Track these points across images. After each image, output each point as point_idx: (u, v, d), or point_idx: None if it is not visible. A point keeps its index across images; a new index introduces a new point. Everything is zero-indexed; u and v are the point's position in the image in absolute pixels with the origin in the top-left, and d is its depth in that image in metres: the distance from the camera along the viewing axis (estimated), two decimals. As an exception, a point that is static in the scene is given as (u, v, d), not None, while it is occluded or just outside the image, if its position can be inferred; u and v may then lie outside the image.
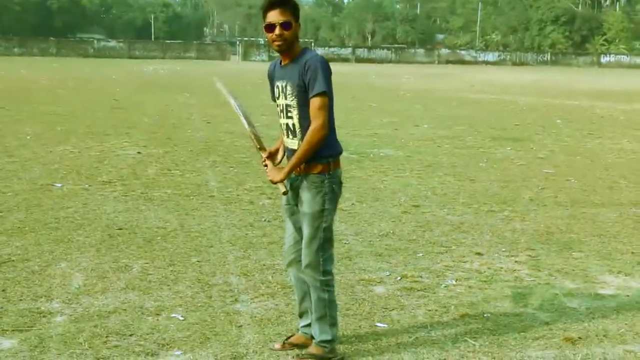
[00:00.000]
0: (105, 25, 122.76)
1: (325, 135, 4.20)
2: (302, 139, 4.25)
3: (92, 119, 17.55)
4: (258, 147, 4.53)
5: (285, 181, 4.35)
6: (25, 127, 15.60)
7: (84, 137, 14.15)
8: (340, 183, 4.42)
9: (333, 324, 4.43)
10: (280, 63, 4.39)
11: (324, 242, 4.36)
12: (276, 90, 4.38)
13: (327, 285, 4.38)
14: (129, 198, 8.91)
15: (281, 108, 4.37)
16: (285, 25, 4.17)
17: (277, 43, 4.20)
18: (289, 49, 4.24)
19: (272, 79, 4.48)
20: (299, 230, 4.46)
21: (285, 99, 4.29)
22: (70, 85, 29.63)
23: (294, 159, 4.26)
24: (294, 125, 4.31)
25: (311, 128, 4.18)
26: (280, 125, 4.43)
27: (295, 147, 4.29)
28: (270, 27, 4.20)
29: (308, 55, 4.23)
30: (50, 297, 5.41)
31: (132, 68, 51.63)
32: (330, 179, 4.31)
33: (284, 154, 4.53)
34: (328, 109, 4.21)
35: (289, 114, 4.30)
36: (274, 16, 4.17)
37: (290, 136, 4.36)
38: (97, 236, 7.12)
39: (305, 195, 4.31)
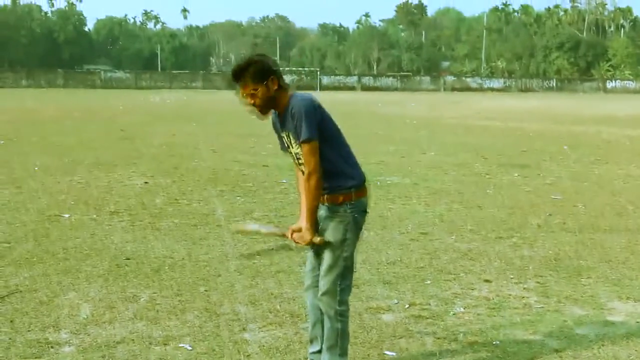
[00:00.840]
0: (112, 56, 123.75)
1: (319, 179, 4.18)
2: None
3: (99, 149, 17.63)
4: (281, 235, 4.61)
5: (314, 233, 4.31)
6: (33, 158, 15.67)
7: (92, 168, 14.20)
8: (364, 212, 4.39)
9: (343, 354, 4.41)
10: (277, 115, 4.39)
11: (343, 271, 4.33)
12: (284, 141, 4.37)
13: (342, 315, 4.36)
14: (136, 228, 8.92)
15: (293, 157, 4.36)
16: (252, 96, 4.20)
17: (248, 109, 4.30)
18: (274, 105, 4.26)
19: (276, 130, 4.47)
20: (317, 256, 4.42)
21: (293, 147, 4.28)
22: (77, 116, 29.79)
23: (307, 212, 4.26)
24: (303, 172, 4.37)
25: (304, 177, 4.26)
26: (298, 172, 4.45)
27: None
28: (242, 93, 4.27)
29: (293, 102, 4.20)
30: (58, 328, 5.41)
31: (139, 98, 51.88)
32: (353, 208, 4.29)
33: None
34: (317, 153, 4.17)
35: (301, 161, 4.28)
36: (241, 89, 4.22)
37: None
38: (104, 266, 7.12)
39: (327, 224, 4.30)
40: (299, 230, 4.34)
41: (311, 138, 4.12)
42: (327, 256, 4.31)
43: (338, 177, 4.26)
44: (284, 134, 4.31)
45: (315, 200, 4.23)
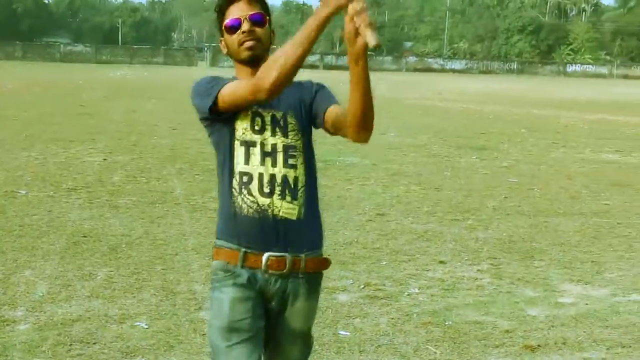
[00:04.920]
0: (72, 29, 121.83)
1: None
2: (307, 204, 2.91)
3: (57, 124, 17.44)
4: None
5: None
6: (-11, 132, 15.48)
7: (49, 143, 14.06)
8: None
9: None
10: None
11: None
12: (256, 122, 2.90)
13: None
14: (94, 205, 8.89)
15: (268, 150, 2.88)
16: (256, 18, 2.93)
17: (247, 44, 2.90)
18: (263, 58, 2.89)
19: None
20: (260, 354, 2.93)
21: (285, 136, 2.89)
22: (35, 90, 29.40)
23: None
24: (295, 179, 2.88)
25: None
26: (250, 179, 2.87)
27: (294, 217, 2.86)
28: (232, 26, 2.94)
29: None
30: (14, 305, 5.41)
31: (99, 73, 51.31)
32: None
33: None
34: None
35: (290, 161, 2.88)
36: (239, 9, 2.93)
37: (285, 197, 2.86)
38: (61, 244, 7.10)
39: (303, 304, 2.96)
40: None
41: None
42: (297, 350, 3.02)
43: (319, 223, 3.06)
44: (270, 113, 2.89)
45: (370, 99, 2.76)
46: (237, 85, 2.84)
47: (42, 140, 14.48)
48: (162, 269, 6.40)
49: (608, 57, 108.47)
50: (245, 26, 2.91)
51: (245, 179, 2.86)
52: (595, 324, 5.45)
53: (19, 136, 15.05)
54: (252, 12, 2.93)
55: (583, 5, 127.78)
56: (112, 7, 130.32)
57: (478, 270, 6.73)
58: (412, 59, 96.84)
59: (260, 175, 2.85)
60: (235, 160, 2.89)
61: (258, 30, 2.94)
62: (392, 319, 5.40)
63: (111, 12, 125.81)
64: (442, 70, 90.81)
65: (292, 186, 2.87)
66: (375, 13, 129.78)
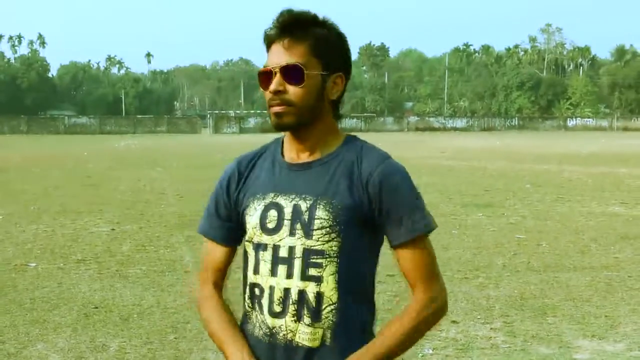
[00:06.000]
0: (76, 101, 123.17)
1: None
2: (338, 327, 2.18)
3: (64, 196, 17.52)
4: None
5: None
6: (-3, 206, 15.55)
7: (57, 215, 14.12)
8: None
9: None
10: (282, 155, 2.29)
11: None
12: (269, 217, 2.20)
13: None
14: (104, 276, 8.90)
15: (283, 255, 2.17)
16: (292, 74, 2.12)
17: (273, 109, 2.17)
18: (305, 125, 2.19)
19: (238, 185, 2.32)
20: None
21: (307, 236, 2.14)
22: (41, 163, 29.61)
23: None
24: (318, 296, 2.15)
25: (426, 302, 2.27)
26: (262, 293, 2.21)
27: (315, 344, 2.16)
28: (265, 78, 2.18)
29: (370, 153, 2.22)
30: (27, 380, 5.39)
31: (104, 144, 51.71)
32: None
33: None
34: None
35: (311, 272, 2.14)
36: (277, 52, 2.16)
37: (302, 318, 2.15)
38: (73, 316, 7.09)
39: None
40: None
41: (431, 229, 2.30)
42: None
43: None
44: (289, 201, 2.17)
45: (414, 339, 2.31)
46: (203, 255, 2.39)
47: (50, 213, 14.54)
48: (175, 338, 6.38)
49: (607, 110, 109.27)
50: (274, 84, 2.15)
51: (257, 291, 2.23)
52: (612, 379, 5.41)
53: (27, 209, 15.11)
54: (286, 63, 2.12)
55: (580, 60, 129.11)
56: (114, 79, 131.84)
57: (491, 328, 6.70)
58: (413, 118, 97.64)
59: (271, 288, 2.18)
60: (248, 267, 2.27)
61: (291, 89, 2.13)
62: (408, 381, 5.36)
63: (114, 84, 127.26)
64: (444, 128, 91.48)
65: (314, 305, 2.13)
66: (375, 75, 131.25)
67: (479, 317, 7.06)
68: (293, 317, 2.14)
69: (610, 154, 35.62)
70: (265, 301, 2.19)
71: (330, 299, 2.14)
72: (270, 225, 2.18)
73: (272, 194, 2.21)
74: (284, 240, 2.16)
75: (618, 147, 44.14)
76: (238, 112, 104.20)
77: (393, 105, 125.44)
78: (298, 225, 2.15)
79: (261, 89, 2.21)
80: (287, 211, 2.17)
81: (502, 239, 11.49)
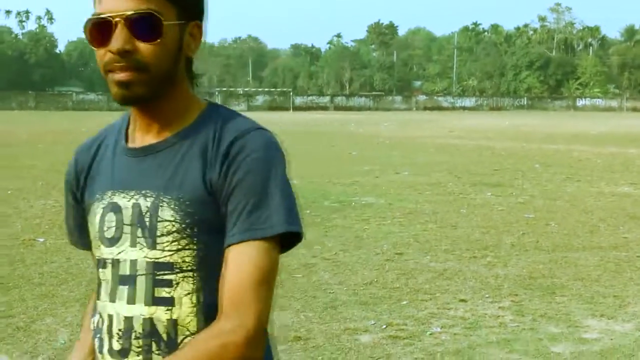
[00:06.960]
0: (84, 78, 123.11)
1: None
2: None
3: (72, 172, 17.49)
4: None
5: None
6: (5, 182, 15.55)
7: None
8: None
9: None
10: (126, 141, 1.76)
11: None
12: (97, 221, 1.68)
13: None
14: (112, 251, 8.89)
15: (119, 274, 1.63)
16: (144, 26, 1.55)
17: (118, 76, 1.57)
18: (155, 95, 1.62)
19: (79, 185, 1.83)
20: None
21: (151, 246, 1.60)
22: (49, 139, 29.63)
23: None
24: (170, 324, 1.59)
25: (222, 337, 1.50)
26: (101, 324, 1.67)
27: None
28: (99, 31, 1.59)
29: (231, 125, 1.63)
30: (35, 354, 5.40)
31: (111, 120, 51.67)
32: None
33: None
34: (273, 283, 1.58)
35: (159, 293, 1.60)
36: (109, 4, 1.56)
37: (151, 355, 1.60)
38: (81, 290, 7.10)
39: None
40: None
41: (300, 233, 1.60)
42: None
43: None
44: (124, 201, 1.64)
45: None
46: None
47: (58, 188, 14.53)
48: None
49: (617, 91, 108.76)
50: (117, 40, 1.55)
51: (98, 323, 1.69)
52: (620, 359, 5.40)
53: (35, 184, 15.15)
54: (133, 8, 1.53)
55: (589, 40, 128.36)
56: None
57: (500, 307, 6.69)
58: (421, 97, 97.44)
59: (110, 318, 1.64)
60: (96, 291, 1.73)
61: (143, 48, 1.56)
62: (416, 359, 5.36)
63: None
64: (452, 108, 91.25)
65: (166, 337, 1.59)
66: (384, 54, 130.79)
67: (487, 296, 7.05)
68: (138, 356, 1.59)
69: (620, 134, 35.49)
70: (105, 336, 1.64)
71: (187, 328, 1.58)
72: (109, 234, 1.64)
73: (110, 192, 1.67)
74: (125, 252, 1.61)
75: (627, 127, 43.97)
76: (246, 89, 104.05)
77: (402, 84, 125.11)
78: (139, 232, 1.60)
79: (101, 49, 1.58)
80: (127, 214, 1.62)
81: (510, 218, 11.46)
